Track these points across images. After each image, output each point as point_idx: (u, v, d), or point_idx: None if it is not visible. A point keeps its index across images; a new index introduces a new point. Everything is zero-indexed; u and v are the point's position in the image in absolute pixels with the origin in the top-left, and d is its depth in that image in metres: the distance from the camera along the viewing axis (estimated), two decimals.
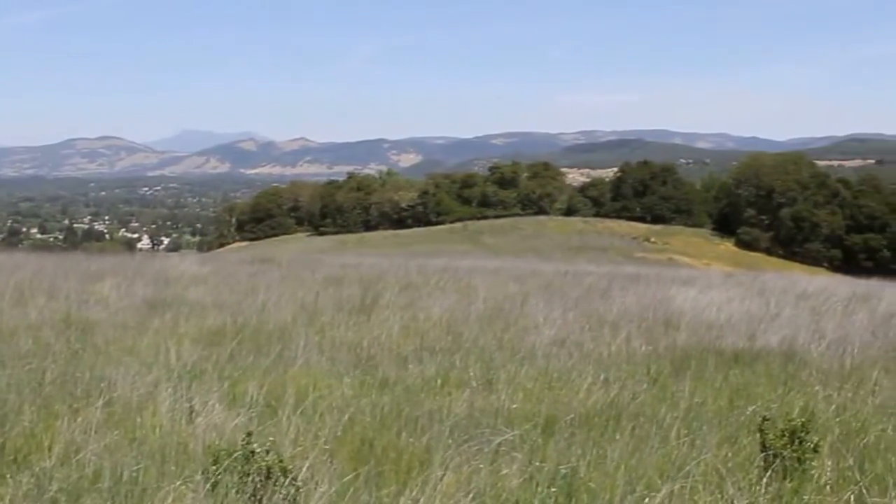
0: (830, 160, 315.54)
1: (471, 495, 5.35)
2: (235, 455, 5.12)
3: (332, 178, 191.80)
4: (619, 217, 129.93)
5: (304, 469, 5.51)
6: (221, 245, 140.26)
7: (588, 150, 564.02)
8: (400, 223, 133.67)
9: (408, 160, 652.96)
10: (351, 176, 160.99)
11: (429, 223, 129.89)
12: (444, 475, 5.57)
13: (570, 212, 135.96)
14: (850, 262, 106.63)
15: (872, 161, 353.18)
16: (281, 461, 5.11)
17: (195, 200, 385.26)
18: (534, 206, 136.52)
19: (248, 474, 5.02)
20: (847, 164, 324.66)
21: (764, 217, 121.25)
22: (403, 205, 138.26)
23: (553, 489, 5.41)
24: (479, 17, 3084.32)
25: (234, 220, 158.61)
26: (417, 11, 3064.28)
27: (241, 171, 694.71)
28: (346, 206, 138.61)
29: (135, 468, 5.67)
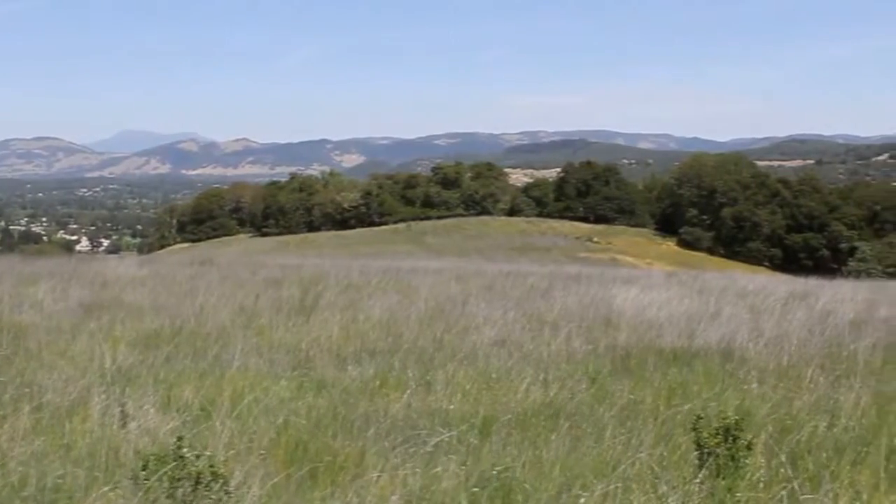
0: (771, 160, 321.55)
1: (404, 497, 5.32)
2: (165, 460, 5.01)
3: (275, 178, 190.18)
4: (562, 217, 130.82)
5: (237, 473, 5.42)
6: (162, 247, 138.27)
7: (531, 150, 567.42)
8: (343, 224, 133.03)
9: (351, 161, 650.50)
10: (293, 177, 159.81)
11: (372, 224, 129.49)
12: (378, 477, 5.52)
13: (513, 212, 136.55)
14: (790, 261, 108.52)
15: (812, 161, 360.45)
16: (212, 466, 5.02)
17: (135, 202, 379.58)
18: (477, 206, 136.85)
19: (178, 479, 4.92)
20: (787, 164, 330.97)
21: (705, 217, 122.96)
22: (346, 205, 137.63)
23: (488, 490, 5.39)
24: (421, 18, 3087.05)
25: (175, 221, 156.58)
26: (359, 13, 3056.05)
27: (183, 171, 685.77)
28: (289, 207, 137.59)
29: (61, 475, 5.53)
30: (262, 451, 6.20)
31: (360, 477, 5.60)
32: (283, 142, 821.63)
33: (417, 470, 5.69)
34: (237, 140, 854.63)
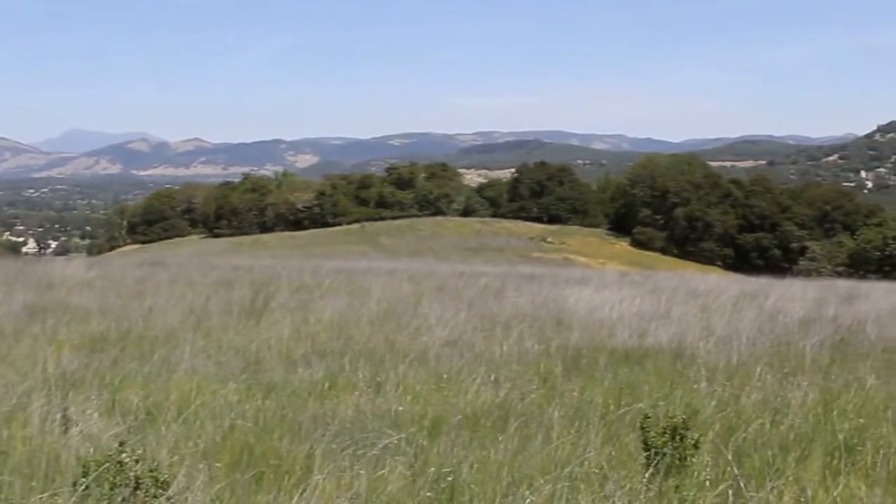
0: (723, 161, 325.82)
1: (350, 501, 5.26)
2: (105, 466, 4.90)
3: (228, 179, 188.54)
4: (516, 217, 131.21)
5: (180, 478, 5.33)
6: (112, 248, 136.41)
7: (485, 150, 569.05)
8: (296, 225, 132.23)
9: (305, 161, 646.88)
10: (246, 177, 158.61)
11: (325, 224, 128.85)
12: (324, 480, 5.46)
13: (467, 212, 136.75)
14: (742, 261, 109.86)
15: (763, 162, 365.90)
16: (152, 471, 4.92)
17: (84, 202, 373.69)
18: (431, 206, 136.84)
19: (118, 485, 4.81)
20: (739, 164, 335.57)
21: (658, 217, 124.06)
22: (300, 206, 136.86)
23: (434, 492, 5.36)
24: (375, 18, 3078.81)
25: (125, 222, 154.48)
26: (312, 12, 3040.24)
27: (133, 172, 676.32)
28: (242, 207, 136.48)
29: None
30: (207, 456, 6.10)
31: (306, 480, 5.53)
32: (236, 142, 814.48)
33: (362, 472, 5.64)
34: (189, 140, 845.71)
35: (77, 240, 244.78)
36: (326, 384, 8.78)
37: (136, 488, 4.81)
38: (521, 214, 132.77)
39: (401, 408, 7.67)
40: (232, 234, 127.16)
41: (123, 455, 4.90)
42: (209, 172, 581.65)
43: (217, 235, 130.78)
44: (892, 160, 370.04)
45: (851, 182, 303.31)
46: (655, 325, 13.31)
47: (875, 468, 6.31)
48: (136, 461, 4.91)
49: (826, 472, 6.22)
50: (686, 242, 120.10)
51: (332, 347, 11.14)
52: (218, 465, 5.94)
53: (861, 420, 7.34)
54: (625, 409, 7.54)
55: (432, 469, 5.68)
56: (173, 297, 15.93)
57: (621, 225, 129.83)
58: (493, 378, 9.07)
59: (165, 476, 5.12)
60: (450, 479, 5.46)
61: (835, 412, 7.55)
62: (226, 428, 6.77)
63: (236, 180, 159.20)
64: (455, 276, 24.73)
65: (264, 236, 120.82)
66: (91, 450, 5.96)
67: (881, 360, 10.83)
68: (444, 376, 9.11)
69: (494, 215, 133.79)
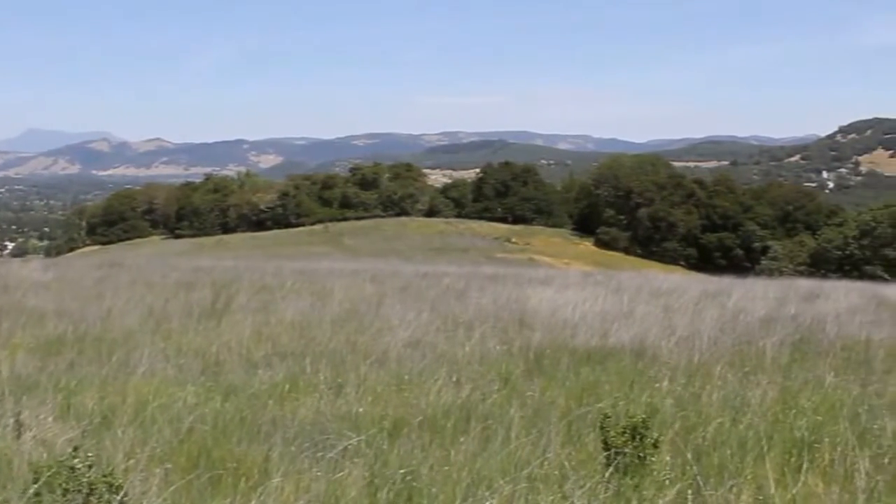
0: (687, 161, 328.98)
1: (308, 503, 5.21)
2: (59, 471, 4.80)
3: (189, 179, 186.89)
4: (480, 218, 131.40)
5: (135, 482, 5.24)
6: (71, 249, 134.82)
7: (450, 151, 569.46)
8: (259, 225, 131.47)
9: (268, 161, 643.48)
10: (208, 177, 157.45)
11: (289, 225, 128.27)
12: (282, 483, 5.40)
13: (431, 213, 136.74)
14: (705, 261, 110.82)
15: (727, 162, 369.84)
16: (106, 476, 4.83)
17: (43, 203, 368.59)
18: (395, 207, 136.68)
19: (70, 491, 4.72)
20: (703, 165, 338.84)
21: (622, 217, 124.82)
22: (262, 206, 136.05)
23: (392, 494, 5.32)
24: (339, 18, 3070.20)
25: (84, 223, 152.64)
26: (275, 12, 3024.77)
27: (93, 172, 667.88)
28: (204, 208, 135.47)
29: None
30: (164, 459, 6.01)
31: (264, 483, 5.47)
32: (198, 142, 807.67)
33: (319, 474, 5.59)
34: (150, 140, 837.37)
35: (35, 241, 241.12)
36: (287, 386, 8.71)
37: (89, 494, 4.71)
38: (485, 215, 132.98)
39: (361, 409, 7.62)
40: (194, 235, 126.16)
41: (76, 461, 4.81)
42: (171, 173, 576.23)
43: (178, 236, 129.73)
44: (853, 161, 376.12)
45: (813, 182, 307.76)
46: (618, 325, 13.34)
47: (833, 466, 6.36)
48: (90, 466, 4.82)
49: (784, 470, 6.25)
50: (650, 242, 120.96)
51: (294, 349, 11.05)
52: (174, 468, 5.85)
53: (819, 418, 7.39)
54: (585, 410, 7.54)
55: (391, 471, 5.63)
56: (132, 299, 15.74)
57: (585, 225, 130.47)
58: (454, 379, 9.03)
59: (120, 481, 5.03)
60: (408, 480, 5.42)
61: (793, 411, 7.60)
62: (183, 431, 6.68)
63: (198, 181, 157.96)
64: (418, 276, 24.68)
65: (226, 237, 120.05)
66: (44, 455, 5.85)
67: (840, 359, 10.92)
68: (406, 377, 9.07)
69: (459, 216, 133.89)
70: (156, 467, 5.80)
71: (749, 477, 5.96)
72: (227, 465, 5.93)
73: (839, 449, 6.54)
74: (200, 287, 18.32)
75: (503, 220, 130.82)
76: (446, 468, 5.82)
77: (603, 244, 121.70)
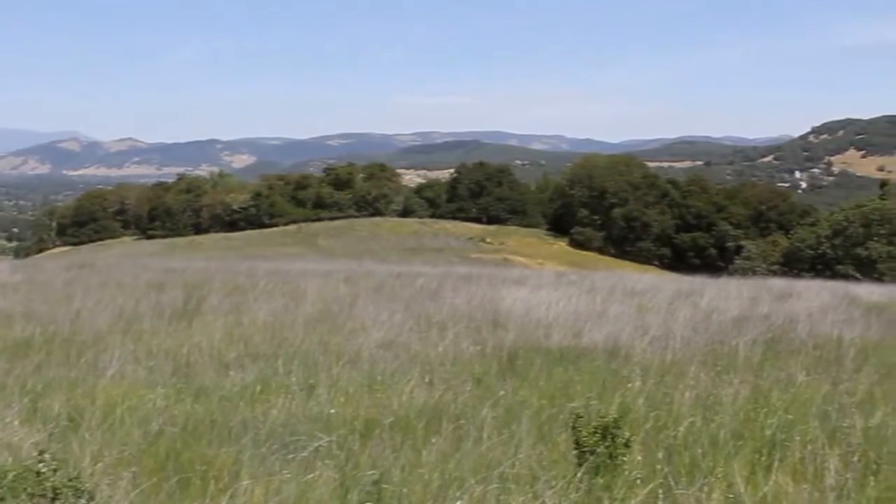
0: (661, 162, 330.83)
1: None
2: (21, 476, 4.72)
3: (162, 179, 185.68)
4: (454, 218, 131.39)
5: (102, 486, 5.17)
6: (41, 251, 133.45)
7: (424, 151, 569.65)
8: (232, 226, 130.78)
9: (241, 161, 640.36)
10: (181, 177, 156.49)
11: (262, 226, 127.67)
12: (252, 485, 5.35)
13: (405, 213, 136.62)
14: (679, 260, 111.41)
15: (700, 163, 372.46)
16: (71, 480, 4.76)
17: (11, 203, 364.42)
18: (369, 207, 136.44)
19: (35, 496, 4.64)
20: (677, 165, 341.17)
21: (596, 217, 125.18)
22: (236, 207, 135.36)
23: (363, 495, 5.29)
24: (313, 17, 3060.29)
25: (54, 224, 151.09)
26: (248, 11, 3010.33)
27: (64, 172, 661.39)
28: (176, 208, 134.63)
29: None
30: (132, 463, 5.94)
31: (234, 485, 5.41)
32: (170, 141, 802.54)
33: (290, 476, 5.54)
34: (122, 140, 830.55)
35: (3, 242, 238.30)
36: (258, 387, 8.64)
37: (54, 498, 4.64)
38: (459, 215, 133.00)
39: (333, 410, 7.57)
40: (166, 236, 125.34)
41: (41, 465, 4.73)
42: (143, 173, 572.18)
43: (150, 237, 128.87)
44: (826, 161, 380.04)
45: (786, 182, 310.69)
46: (591, 324, 13.36)
47: (803, 464, 6.39)
48: (55, 470, 4.75)
49: (755, 469, 6.28)
50: (624, 242, 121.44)
51: (266, 350, 10.98)
52: (142, 471, 5.78)
53: (790, 416, 7.43)
54: (558, 409, 7.53)
55: (362, 472, 5.60)
56: (103, 301, 15.57)
57: (560, 225, 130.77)
58: (427, 380, 9.00)
59: (87, 485, 4.96)
60: (379, 482, 5.39)
61: (765, 409, 7.63)
62: (152, 434, 6.60)
63: (171, 181, 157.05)
64: (392, 277, 24.62)
65: (199, 238, 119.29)
66: (9, 459, 5.76)
67: (812, 357, 10.99)
68: (378, 378, 9.03)
69: (433, 216, 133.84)
70: (124, 471, 5.73)
71: (720, 475, 5.97)
72: (196, 467, 5.87)
73: (809, 447, 6.57)
74: (172, 288, 18.18)
75: (477, 220, 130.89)
76: (418, 468, 5.79)
77: (577, 244, 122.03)
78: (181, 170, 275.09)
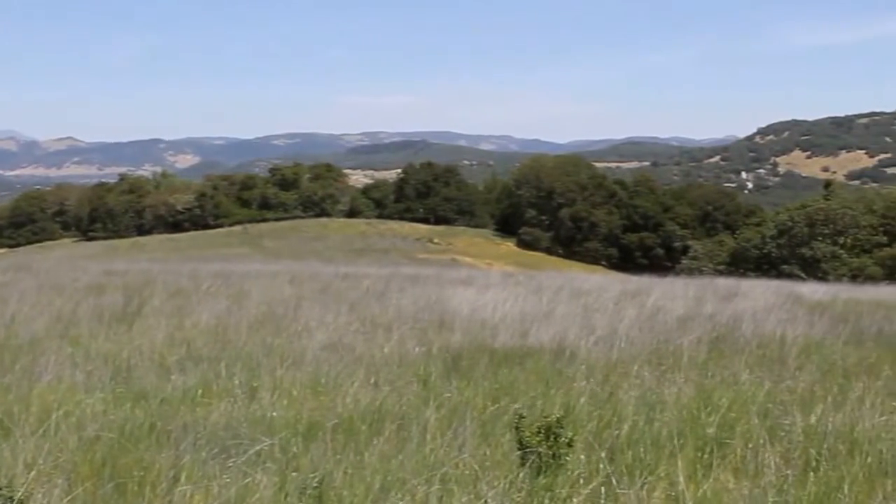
0: (608, 162, 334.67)
1: None
2: None
3: (103, 180, 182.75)
4: (402, 218, 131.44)
5: (35, 493, 5.04)
6: None
7: (372, 151, 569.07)
8: (176, 227, 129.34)
9: (185, 161, 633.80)
10: (123, 178, 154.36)
11: (206, 227, 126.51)
12: (191, 490, 5.25)
13: (352, 213, 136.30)
14: (626, 260, 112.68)
15: (648, 163, 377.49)
16: (3, 488, 4.63)
17: None
18: (316, 207, 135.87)
19: None
20: (624, 165, 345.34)
21: (544, 217, 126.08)
22: (179, 207, 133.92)
23: (303, 498, 5.22)
24: (257, 15, 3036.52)
25: None
26: (192, 8, 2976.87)
27: (0, 172, 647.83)
28: (118, 209, 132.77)
29: None
30: (67, 469, 5.79)
31: (172, 490, 5.31)
32: (111, 141, 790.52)
33: (229, 480, 5.45)
34: (61, 139, 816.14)
35: None
36: (200, 391, 8.51)
37: None
38: (407, 215, 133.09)
39: (275, 413, 7.48)
40: (107, 238, 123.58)
41: None
42: (83, 173, 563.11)
43: (91, 238, 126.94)
44: (772, 161, 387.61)
45: (732, 183, 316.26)
46: (537, 325, 13.38)
47: (744, 461, 6.45)
48: None
49: (696, 467, 6.33)
50: (571, 242, 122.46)
51: (208, 353, 10.82)
52: (78, 478, 5.65)
53: (733, 415, 7.50)
54: (502, 410, 7.52)
55: (303, 475, 5.53)
56: (39, 304, 15.25)
57: (507, 225, 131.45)
58: (372, 381, 8.95)
59: (19, 493, 4.82)
60: (321, 484, 5.33)
61: (707, 408, 7.70)
62: (89, 439, 6.45)
63: (112, 181, 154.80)
64: (338, 277, 24.49)
65: (142, 239, 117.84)
66: None
67: (755, 356, 11.12)
68: (322, 380, 8.95)
69: (380, 216, 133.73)
70: (58, 478, 5.59)
71: (662, 474, 6.01)
72: (133, 473, 5.74)
73: (750, 445, 6.64)
74: (112, 290, 17.87)
75: (425, 220, 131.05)
76: (360, 470, 5.74)
77: (525, 244, 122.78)
78: (123, 170, 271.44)
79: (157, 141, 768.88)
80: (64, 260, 50.32)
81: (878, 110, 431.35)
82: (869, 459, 6.47)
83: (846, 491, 5.71)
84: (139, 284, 19.54)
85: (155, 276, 22.53)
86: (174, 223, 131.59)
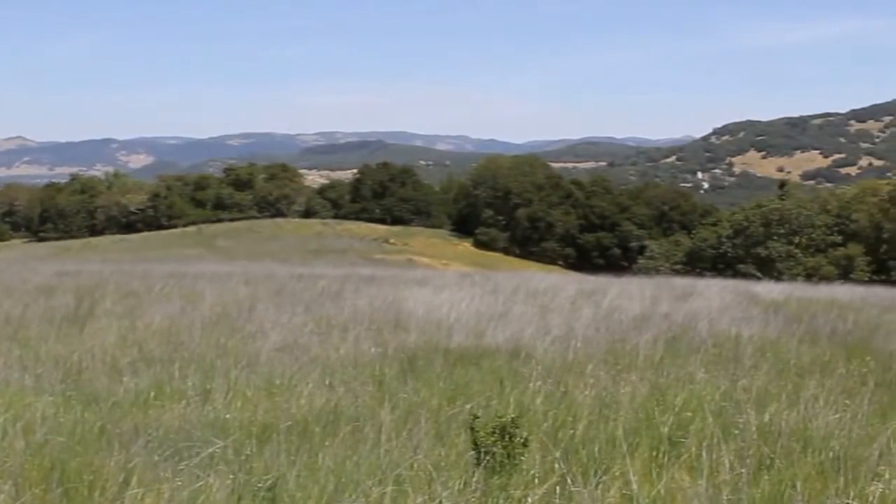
0: (565, 162, 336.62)
1: None
2: None
3: (54, 180, 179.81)
4: (358, 219, 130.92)
5: None
6: None
7: (328, 151, 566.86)
8: (129, 227, 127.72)
9: (138, 161, 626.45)
10: (75, 178, 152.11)
11: (160, 227, 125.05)
12: (142, 494, 5.17)
13: (308, 214, 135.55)
14: (583, 260, 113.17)
15: (604, 163, 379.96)
16: None
17: None
18: (271, 208, 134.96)
19: None
20: (580, 166, 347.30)
21: (501, 217, 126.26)
22: (133, 208, 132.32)
23: (256, 501, 5.16)
24: (209, 12, 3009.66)
25: None
26: (143, 5, 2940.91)
27: None
28: (69, 209, 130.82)
29: None
30: (14, 474, 5.66)
31: (122, 494, 5.22)
32: (63, 140, 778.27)
33: (181, 483, 5.37)
34: (11, 138, 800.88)
35: None
36: (152, 393, 8.40)
37: None
38: (363, 216, 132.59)
39: (229, 415, 7.40)
40: (59, 238, 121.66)
41: None
42: (34, 173, 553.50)
43: (42, 239, 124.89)
44: (727, 162, 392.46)
45: (688, 183, 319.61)
46: (494, 325, 13.39)
47: (698, 460, 6.49)
48: None
49: (651, 466, 6.36)
50: (528, 242, 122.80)
51: (161, 355, 10.68)
52: (25, 482, 5.52)
53: (688, 414, 7.55)
54: (458, 410, 7.51)
55: (257, 478, 5.47)
56: None
57: (464, 226, 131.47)
58: (327, 382, 8.89)
59: None
60: (274, 487, 5.27)
61: (662, 407, 7.74)
62: (37, 443, 6.32)
63: (63, 181, 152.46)
64: (293, 278, 24.35)
65: (94, 240, 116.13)
66: None
67: (711, 355, 11.20)
68: (277, 382, 8.87)
69: (336, 217, 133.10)
70: (5, 483, 5.47)
71: (617, 473, 6.02)
72: (83, 477, 5.64)
73: (705, 443, 6.68)
74: (63, 292, 17.58)
75: (381, 221, 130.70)
76: (314, 472, 5.69)
77: (482, 245, 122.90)
78: (74, 170, 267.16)
79: (109, 141, 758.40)
80: (14, 261, 49.49)
81: (832, 111, 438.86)
82: (822, 457, 6.55)
83: (799, 488, 5.76)
84: (91, 286, 19.25)
85: (107, 278, 22.23)
86: (127, 224, 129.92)
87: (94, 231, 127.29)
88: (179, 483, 5.38)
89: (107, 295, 17.11)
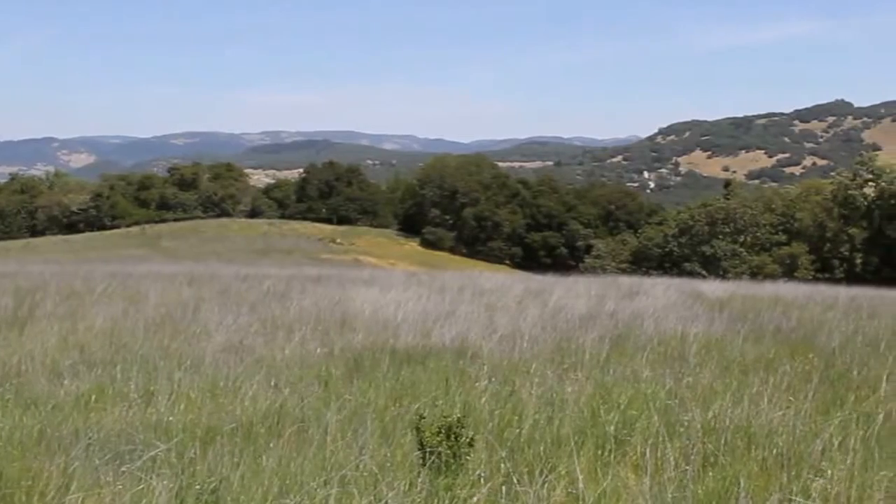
0: (512, 162, 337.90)
1: None
2: None
3: None
4: (304, 219, 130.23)
5: None
6: None
7: (273, 150, 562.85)
8: (71, 228, 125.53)
9: (80, 161, 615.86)
10: (14, 177, 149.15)
11: (103, 227, 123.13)
12: (82, 499, 5.07)
13: (254, 214, 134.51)
14: (530, 259, 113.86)
15: (551, 163, 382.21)
16: None
17: None
18: (216, 208, 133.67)
19: None
20: (527, 165, 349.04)
21: (448, 217, 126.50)
22: (74, 208, 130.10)
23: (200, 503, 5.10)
24: (151, 7, 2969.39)
25: None
26: (86, 1, 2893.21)
27: None
28: (9, 210, 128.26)
29: None
30: None
31: (62, 499, 5.11)
32: (2, 140, 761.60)
33: (122, 487, 5.28)
34: None
35: None
36: (93, 396, 8.25)
37: None
38: (309, 215, 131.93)
39: (172, 418, 7.29)
40: None
41: None
42: None
43: None
44: (673, 161, 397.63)
45: (635, 182, 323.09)
46: (440, 324, 13.38)
47: (643, 458, 6.54)
48: None
49: (597, 465, 6.39)
50: (475, 242, 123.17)
51: (103, 357, 10.49)
52: None
53: (633, 412, 7.61)
54: (403, 410, 7.48)
55: (200, 480, 5.40)
56: None
57: (411, 225, 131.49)
58: (273, 383, 8.81)
59: None
60: (217, 489, 5.21)
61: (607, 405, 7.79)
62: None
63: (3, 181, 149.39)
64: (239, 279, 24.10)
65: (34, 240, 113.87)
66: None
67: (657, 353, 11.29)
68: (221, 383, 8.77)
69: (282, 216, 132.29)
70: None
71: (563, 472, 6.05)
72: (21, 482, 5.52)
73: (650, 441, 6.74)
74: (2, 293, 17.18)
75: (328, 220, 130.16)
76: (258, 474, 5.64)
77: (429, 244, 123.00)
78: (14, 169, 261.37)
79: (50, 140, 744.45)
80: None
81: (776, 111, 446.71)
82: (766, 453, 6.64)
83: (743, 485, 5.83)
84: (31, 287, 18.85)
85: (48, 279, 21.78)
86: (69, 224, 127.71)
87: (35, 232, 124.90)
88: (121, 487, 5.30)
89: (48, 296, 16.76)
